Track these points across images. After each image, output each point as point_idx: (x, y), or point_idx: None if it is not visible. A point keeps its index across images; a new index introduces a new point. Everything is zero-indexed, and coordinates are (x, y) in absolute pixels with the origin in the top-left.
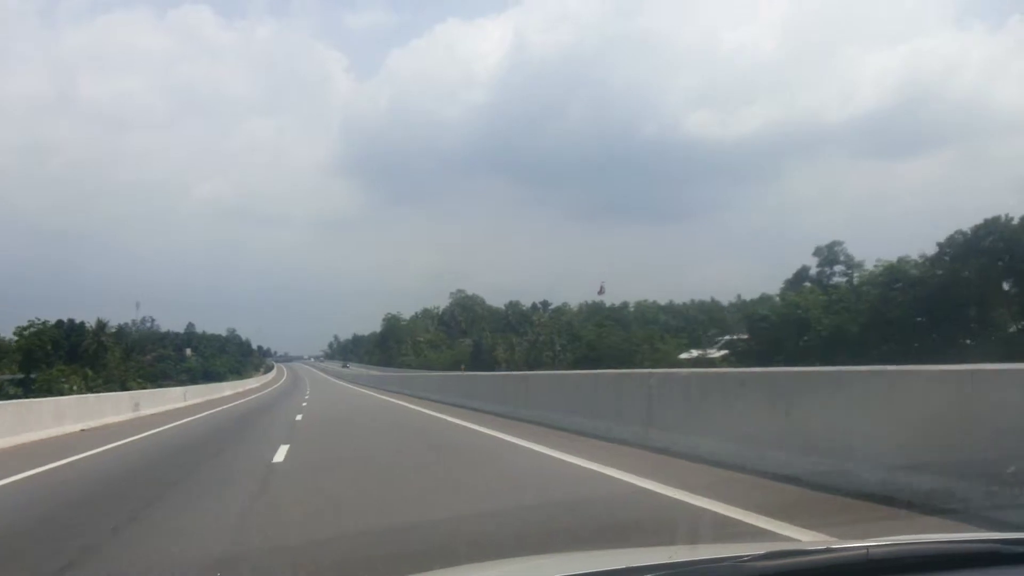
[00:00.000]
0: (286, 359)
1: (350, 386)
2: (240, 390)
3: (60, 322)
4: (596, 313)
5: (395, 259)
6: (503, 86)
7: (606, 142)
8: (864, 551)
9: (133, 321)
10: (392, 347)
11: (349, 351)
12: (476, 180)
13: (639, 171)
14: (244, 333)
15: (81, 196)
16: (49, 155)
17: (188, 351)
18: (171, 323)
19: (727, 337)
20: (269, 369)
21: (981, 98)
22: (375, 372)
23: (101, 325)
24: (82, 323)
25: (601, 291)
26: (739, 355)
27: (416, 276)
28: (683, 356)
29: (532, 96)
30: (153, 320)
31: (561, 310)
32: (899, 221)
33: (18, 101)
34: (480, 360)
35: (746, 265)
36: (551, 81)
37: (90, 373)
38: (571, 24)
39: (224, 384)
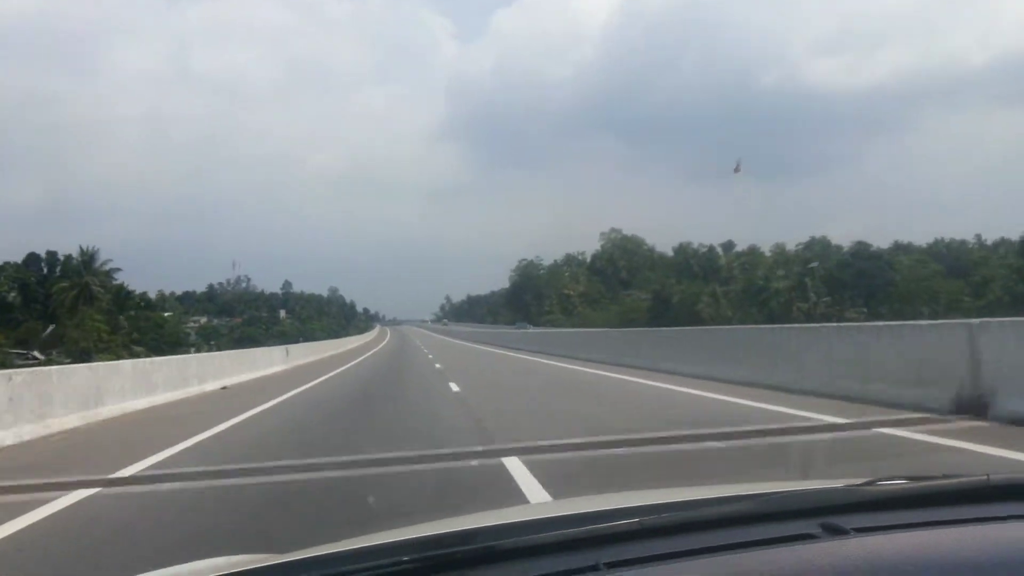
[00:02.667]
0: (394, 323)
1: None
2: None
3: (34, 257)
4: (823, 255)
5: (504, 223)
6: (612, 40)
7: (723, 94)
8: (984, 478)
9: (227, 280)
10: (529, 304)
11: (464, 313)
12: (586, 140)
13: (758, 124)
14: (349, 295)
15: (201, 168)
16: (171, 128)
17: (282, 313)
18: (273, 286)
19: None
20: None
21: None
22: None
23: (86, 258)
24: (68, 257)
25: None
26: None
27: (525, 238)
28: None
29: (643, 50)
30: (249, 279)
31: (753, 253)
32: None
33: (143, 76)
34: (667, 316)
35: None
36: (663, 33)
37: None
38: None
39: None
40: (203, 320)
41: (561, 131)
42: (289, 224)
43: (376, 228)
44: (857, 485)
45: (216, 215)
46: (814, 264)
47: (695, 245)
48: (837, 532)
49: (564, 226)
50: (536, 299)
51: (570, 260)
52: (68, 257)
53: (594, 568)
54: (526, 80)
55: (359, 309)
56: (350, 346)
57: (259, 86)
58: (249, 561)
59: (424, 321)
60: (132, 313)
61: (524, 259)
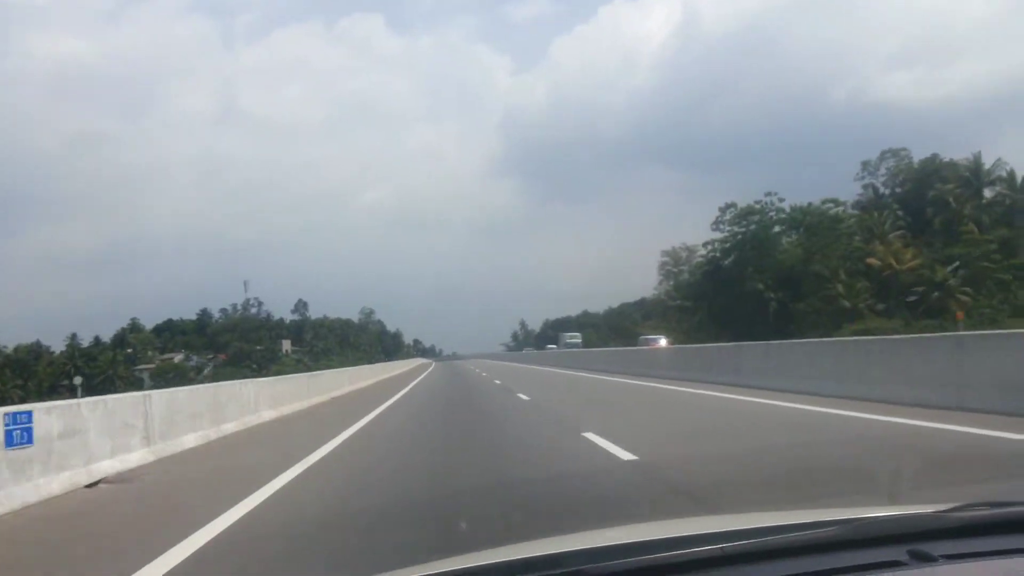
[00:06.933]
0: (453, 357)
1: None
2: None
3: None
4: None
5: (561, 256)
6: (670, 66)
7: (785, 118)
8: None
9: (233, 306)
10: (763, 293)
11: (548, 339)
12: (644, 171)
13: (823, 148)
14: (406, 330)
15: (250, 205)
16: (224, 169)
17: (286, 345)
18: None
19: None
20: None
21: None
22: None
23: None
24: None
25: None
26: None
27: (585, 273)
28: None
29: (702, 74)
30: (260, 303)
31: None
32: None
33: (197, 117)
34: None
35: None
36: (724, 56)
37: None
38: None
39: None
40: (178, 357)
41: (618, 160)
42: (338, 260)
43: (432, 264)
44: (944, 511)
45: (263, 252)
46: None
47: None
48: (925, 559)
49: (613, 260)
50: (785, 286)
51: (807, 214)
52: None
53: None
54: (583, 110)
55: (408, 340)
56: None
57: (313, 126)
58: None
59: (543, 348)
60: None
61: (730, 203)
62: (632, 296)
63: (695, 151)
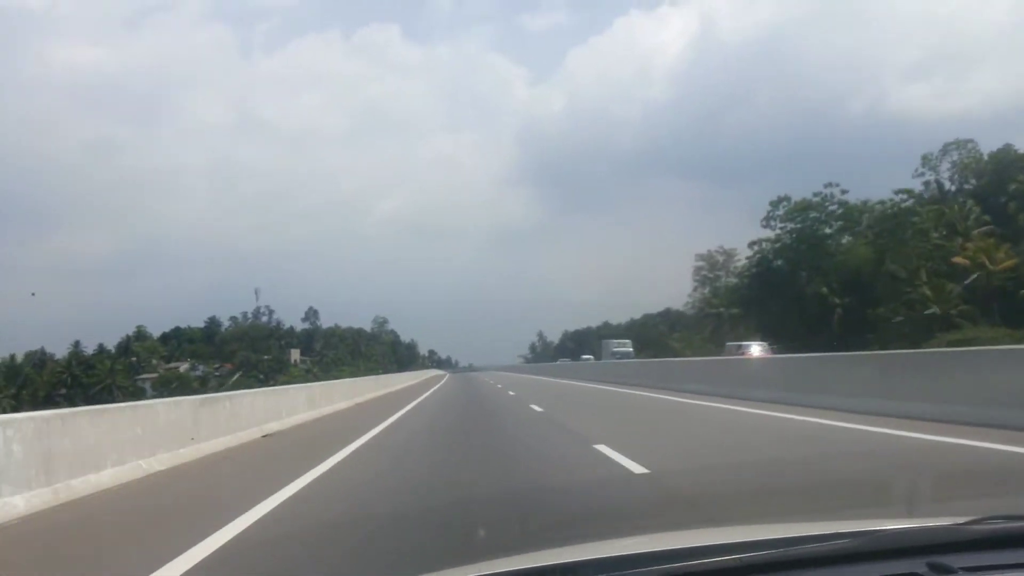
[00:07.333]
0: (469, 369)
1: None
2: None
3: None
4: None
5: (579, 268)
6: (686, 77)
7: (802, 129)
8: None
9: (244, 314)
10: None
11: (569, 351)
12: (661, 182)
13: (842, 158)
14: (420, 342)
15: (267, 215)
16: (240, 177)
17: (295, 355)
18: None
19: None
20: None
21: None
22: None
23: None
24: None
25: None
26: None
27: (603, 285)
28: None
29: (718, 86)
30: (271, 312)
31: None
32: None
33: (213, 126)
34: None
35: None
36: (741, 67)
37: None
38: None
39: None
40: (184, 366)
41: (634, 171)
42: (353, 270)
43: (447, 274)
44: (962, 524)
45: (277, 260)
46: None
47: None
48: (944, 572)
49: (628, 274)
50: (852, 290)
51: (851, 211)
52: None
53: None
54: (598, 120)
55: (423, 351)
56: None
57: (330, 135)
58: None
59: (588, 359)
60: None
61: (783, 196)
62: (654, 307)
63: (711, 162)
